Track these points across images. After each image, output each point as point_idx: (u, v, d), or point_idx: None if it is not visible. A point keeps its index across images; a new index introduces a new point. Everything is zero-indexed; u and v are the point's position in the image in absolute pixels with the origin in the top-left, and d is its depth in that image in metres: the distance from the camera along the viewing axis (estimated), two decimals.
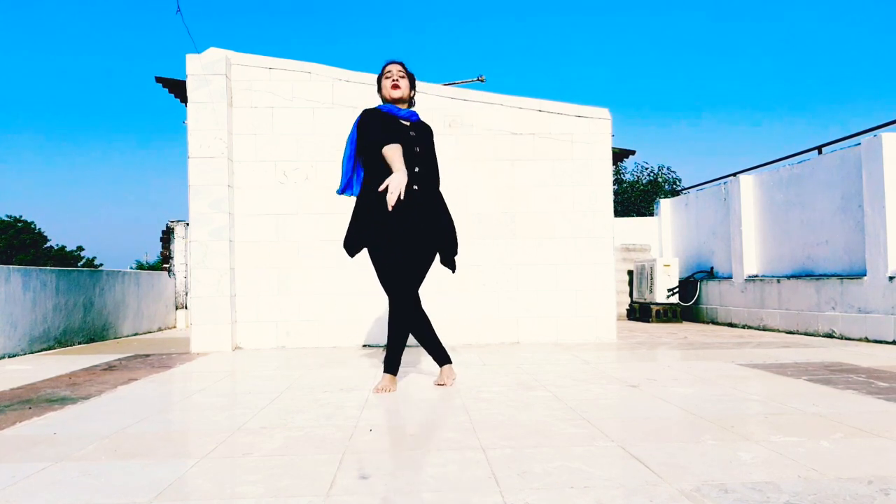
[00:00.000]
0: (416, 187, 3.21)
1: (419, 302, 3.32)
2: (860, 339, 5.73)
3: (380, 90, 3.41)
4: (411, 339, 3.47)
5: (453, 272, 3.49)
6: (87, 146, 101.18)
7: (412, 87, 3.40)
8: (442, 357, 3.49)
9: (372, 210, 3.18)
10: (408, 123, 3.32)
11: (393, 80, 3.32)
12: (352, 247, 3.27)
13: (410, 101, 3.41)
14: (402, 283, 3.21)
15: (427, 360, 4.37)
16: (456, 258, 3.48)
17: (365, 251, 3.31)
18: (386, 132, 3.19)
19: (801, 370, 3.86)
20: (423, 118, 3.56)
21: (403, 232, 3.18)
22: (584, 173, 5.92)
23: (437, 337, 3.46)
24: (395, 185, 3.02)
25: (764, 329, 7.10)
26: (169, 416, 2.80)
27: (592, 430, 2.37)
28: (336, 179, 5.71)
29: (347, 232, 3.29)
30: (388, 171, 3.13)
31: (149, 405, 3.03)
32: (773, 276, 7.17)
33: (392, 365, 3.32)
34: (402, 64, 3.40)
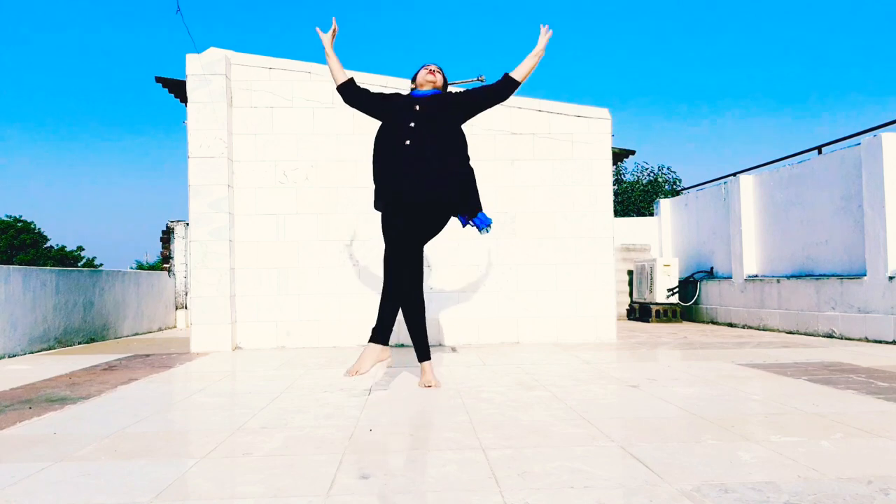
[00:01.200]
0: (407, 142, 3.28)
1: (417, 281, 3.32)
2: (860, 339, 5.72)
3: (414, 79, 3.53)
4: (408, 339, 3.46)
5: (475, 224, 3.47)
6: (87, 146, 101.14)
7: (445, 86, 3.57)
8: (423, 352, 3.43)
9: (378, 179, 3.39)
10: (417, 98, 3.44)
11: (429, 70, 3.49)
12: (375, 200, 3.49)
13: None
14: (390, 241, 3.32)
15: None
16: (477, 206, 3.45)
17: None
18: (388, 102, 3.48)
19: (801, 370, 3.86)
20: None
21: (398, 192, 3.28)
22: (584, 173, 5.92)
23: (425, 329, 3.42)
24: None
25: (764, 329, 7.10)
26: (169, 416, 2.80)
27: (592, 430, 2.37)
28: (336, 179, 5.72)
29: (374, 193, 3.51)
30: (390, 134, 3.36)
31: (149, 405, 3.03)
32: (772, 276, 7.17)
33: (380, 334, 3.27)
34: (441, 69, 3.56)
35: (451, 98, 3.47)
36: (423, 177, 3.24)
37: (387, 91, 5.28)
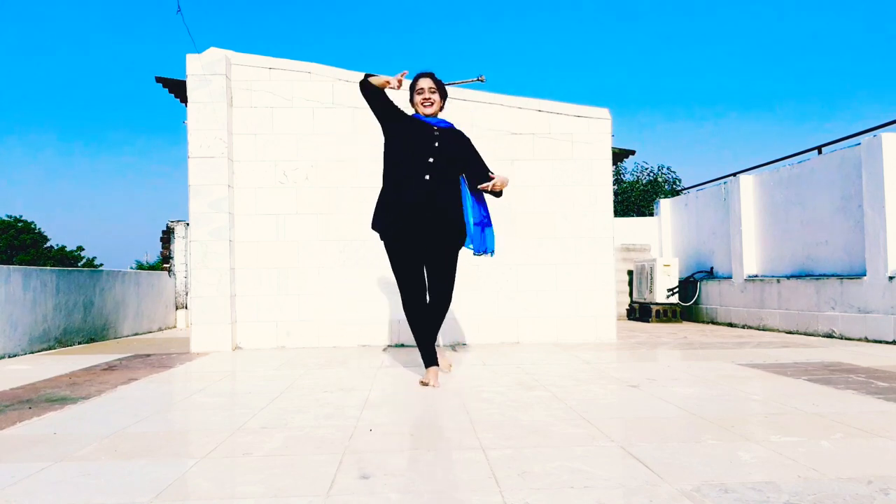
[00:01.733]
0: (427, 177, 3.31)
1: (424, 297, 3.47)
2: (860, 339, 5.72)
3: (412, 101, 3.50)
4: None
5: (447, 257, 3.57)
6: (87, 146, 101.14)
7: (444, 97, 3.50)
8: (430, 358, 3.52)
9: (389, 207, 3.39)
10: (435, 128, 3.45)
11: (424, 98, 3.42)
12: (380, 230, 3.48)
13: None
14: (401, 277, 3.44)
15: None
16: (459, 245, 3.59)
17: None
18: (402, 123, 3.43)
19: (801, 370, 3.86)
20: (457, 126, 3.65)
21: (412, 228, 3.35)
22: (584, 173, 5.92)
23: (431, 338, 3.53)
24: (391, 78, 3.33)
25: (764, 329, 7.10)
26: (169, 416, 2.80)
27: (592, 430, 2.37)
28: (336, 179, 5.72)
29: (374, 214, 3.48)
30: (402, 169, 3.35)
31: (149, 405, 3.03)
32: (772, 276, 7.17)
33: (425, 358, 3.48)
34: (432, 76, 3.46)
35: (464, 145, 3.51)
36: (435, 198, 3.34)
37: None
